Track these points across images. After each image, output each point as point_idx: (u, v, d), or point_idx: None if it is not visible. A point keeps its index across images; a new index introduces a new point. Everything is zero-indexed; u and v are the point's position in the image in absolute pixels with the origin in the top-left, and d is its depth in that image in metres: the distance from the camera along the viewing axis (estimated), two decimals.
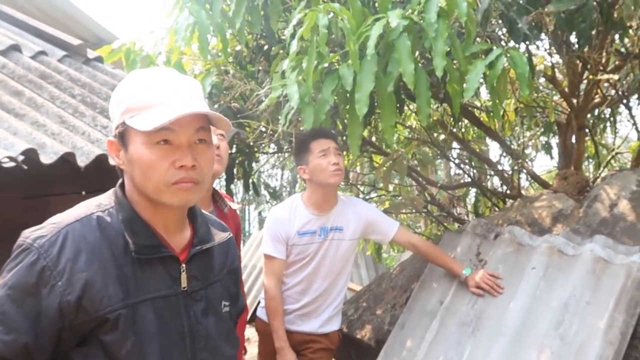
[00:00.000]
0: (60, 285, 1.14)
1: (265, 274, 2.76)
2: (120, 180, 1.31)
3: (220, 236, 1.42)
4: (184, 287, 1.28)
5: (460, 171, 4.97)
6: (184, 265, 1.29)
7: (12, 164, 1.86)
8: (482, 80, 2.54)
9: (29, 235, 1.18)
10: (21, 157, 1.91)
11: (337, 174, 2.62)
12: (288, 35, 2.60)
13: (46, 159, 2.04)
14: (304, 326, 2.78)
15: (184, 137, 1.21)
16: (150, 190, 1.22)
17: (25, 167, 1.88)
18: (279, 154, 4.70)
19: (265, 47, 3.54)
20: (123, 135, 1.23)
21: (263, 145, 3.91)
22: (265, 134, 3.24)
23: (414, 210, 4.44)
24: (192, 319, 1.29)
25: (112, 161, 1.31)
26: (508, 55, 2.39)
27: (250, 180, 4.26)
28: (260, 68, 3.46)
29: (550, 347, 2.28)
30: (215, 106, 3.32)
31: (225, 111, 3.30)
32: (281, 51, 3.06)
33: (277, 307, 2.70)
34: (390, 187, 4.59)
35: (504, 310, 2.50)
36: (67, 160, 2.12)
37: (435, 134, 4.61)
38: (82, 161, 2.15)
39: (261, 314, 2.86)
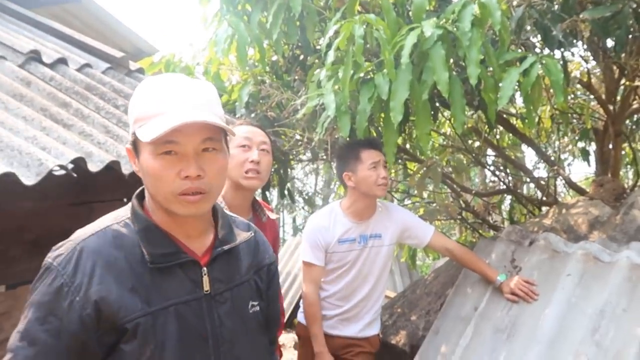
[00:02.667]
0: (78, 301, 1.15)
1: (304, 281, 2.81)
2: (138, 190, 1.33)
3: (243, 236, 1.42)
4: (207, 290, 1.28)
5: (496, 178, 4.95)
6: (205, 268, 1.29)
7: (63, 172, 1.96)
8: (516, 87, 2.55)
9: (51, 254, 1.21)
10: (71, 166, 2.01)
11: (384, 188, 2.67)
12: (324, 45, 2.66)
13: (93, 167, 2.12)
14: (345, 330, 2.83)
15: (189, 147, 1.19)
16: (160, 200, 1.23)
17: (75, 175, 1.97)
18: (314, 162, 4.75)
19: (301, 57, 3.61)
20: (135, 144, 1.24)
21: (298, 153, 3.98)
22: (300, 142, 3.30)
23: (448, 217, 4.45)
24: (216, 322, 1.29)
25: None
26: (542, 62, 2.40)
27: (286, 187, 4.33)
28: (296, 77, 3.52)
29: (586, 354, 2.27)
30: (252, 115, 3.40)
31: (262, 120, 3.37)
32: (317, 61, 3.11)
33: (316, 313, 2.76)
34: (425, 194, 4.61)
35: (539, 316, 2.50)
36: (112, 168, 2.21)
37: (469, 141, 4.61)
38: (126, 169, 2.24)
39: (301, 318, 2.91)
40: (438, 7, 2.89)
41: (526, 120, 2.77)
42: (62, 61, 2.99)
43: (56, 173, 1.95)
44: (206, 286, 1.28)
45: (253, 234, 1.48)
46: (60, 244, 1.23)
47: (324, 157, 3.95)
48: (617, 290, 2.39)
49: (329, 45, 2.55)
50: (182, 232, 1.30)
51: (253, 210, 2.37)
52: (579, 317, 2.41)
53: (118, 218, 1.28)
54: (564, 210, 3.24)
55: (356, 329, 2.83)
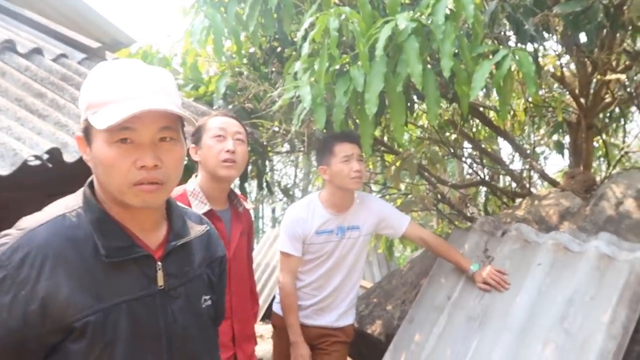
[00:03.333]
0: (24, 295, 1.08)
1: (281, 271, 2.84)
2: (90, 179, 1.24)
3: (196, 229, 1.37)
4: (161, 286, 1.23)
5: (472, 170, 5.01)
6: (159, 263, 1.23)
7: (38, 162, 1.96)
8: (489, 80, 2.59)
9: None
10: (46, 156, 2.01)
11: (357, 181, 2.69)
12: (300, 37, 2.68)
13: (69, 157, 2.13)
14: (320, 320, 2.86)
15: (145, 135, 1.14)
16: (113, 191, 1.16)
17: (50, 166, 1.98)
18: (292, 153, 4.78)
19: (278, 49, 3.62)
20: (88, 131, 1.17)
21: (276, 144, 4.00)
22: (278, 134, 3.32)
23: (424, 209, 4.50)
24: (169, 318, 1.23)
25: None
26: (514, 55, 2.44)
27: (264, 179, 4.34)
28: (273, 69, 3.54)
29: (555, 341, 2.33)
30: (230, 106, 3.41)
31: (239, 111, 3.39)
32: (293, 53, 3.13)
33: (292, 303, 2.78)
34: (402, 186, 4.66)
35: (510, 305, 2.55)
36: None
37: (446, 134, 4.67)
38: None
39: (277, 308, 2.94)
40: (413, 0, 2.92)
41: (499, 113, 2.82)
42: (38, 51, 2.97)
43: (31, 163, 1.95)
44: (160, 281, 1.23)
45: (207, 228, 1.44)
46: (5, 232, 1.15)
47: (302, 148, 3.98)
48: (586, 279, 2.45)
49: (304, 38, 2.57)
50: (136, 225, 1.23)
51: (230, 201, 2.40)
52: (548, 305, 2.47)
53: (69, 207, 1.19)
54: (536, 202, 3.30)
55: (331, 319, 2.86)
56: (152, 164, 1.13)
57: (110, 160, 1.13)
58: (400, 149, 3.92)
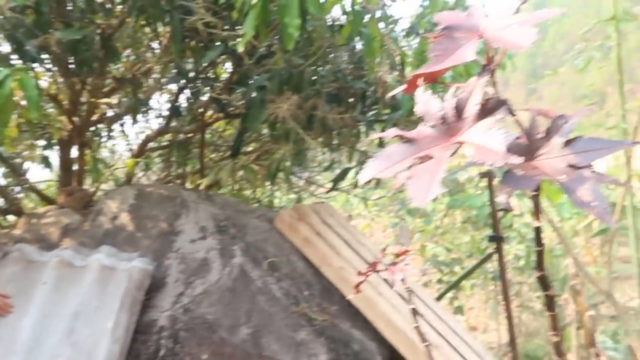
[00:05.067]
0: None
1: None
2: None
3: None
4: None
5: None
6: None
7: None
8: None
9: None
10: None
11: None
12: None
13: None
14: None
15: None
16: None
17: None
18: None
19: None
20: None
21: None
22: None
23: None
24: None
25: None
26: (17, 77, 2.42)
27: None
28: None
29: (63, 355, 2.42)
30: None
31: None
32: None
33: None
34: None
35: (16, 328, 2.50)
36: None
37: None
38: None
39: None
40: None
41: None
42: None
43: None
44: None
45: None
46: None
47: None
48: (91, 291, 2.63)
49: None
50: None
51: None
52: (55, 322, 2.54)
53: None
54: (34, 220, 3.29)
55: None
56: None
57: None
58: None
